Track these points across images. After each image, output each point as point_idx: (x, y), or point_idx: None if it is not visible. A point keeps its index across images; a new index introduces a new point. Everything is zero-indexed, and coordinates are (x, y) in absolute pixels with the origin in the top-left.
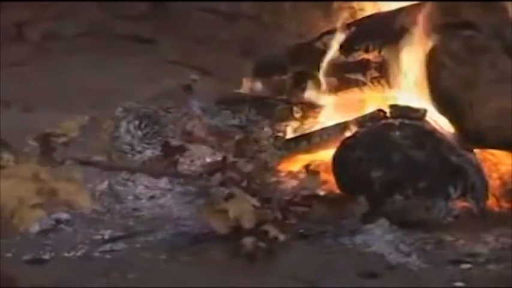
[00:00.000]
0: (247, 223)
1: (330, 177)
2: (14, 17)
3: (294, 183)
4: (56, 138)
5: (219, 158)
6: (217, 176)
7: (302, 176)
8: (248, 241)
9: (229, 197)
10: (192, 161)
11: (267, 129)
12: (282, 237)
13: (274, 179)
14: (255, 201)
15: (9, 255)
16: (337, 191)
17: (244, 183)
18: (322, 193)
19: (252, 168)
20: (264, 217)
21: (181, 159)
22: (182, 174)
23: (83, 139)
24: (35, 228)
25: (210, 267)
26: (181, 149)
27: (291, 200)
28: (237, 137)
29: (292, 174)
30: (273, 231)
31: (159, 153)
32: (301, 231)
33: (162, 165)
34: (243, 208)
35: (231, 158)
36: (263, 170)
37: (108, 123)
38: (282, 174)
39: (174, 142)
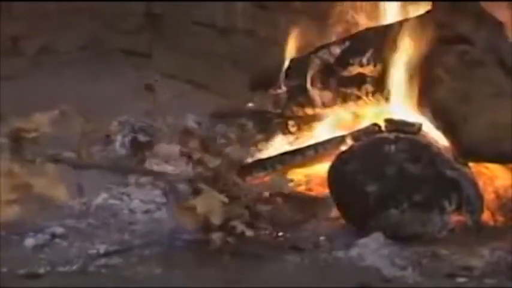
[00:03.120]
0: (216, 219)
1: (325, 191)
2: (9, 30)
3: (261, 183)
4: (27, 134)
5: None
6: (185, 173)
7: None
8: (216, 236)
9: (197, 193)
10: (159, 158)
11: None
12: (249, 232)
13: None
14: (223, 198)
15: (4, 269)
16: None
17: (212, 180)
18: (288, 192)
19: (218, 164)
20: (232, 213)
21: (149, 156)
22: (150, 172)
23: (54, 135)
24: (30, 242)
25: (205, 281)
26: (149, 145)
27: (258, 199)
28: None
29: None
30: (240, 227)
31: (128, 151)
32: (295, 244)
33: (131, 163)
34: (211, 204)
35: (197, 155)
36: (230, 168)
37: (79, 119)
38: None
39: (142, 138)
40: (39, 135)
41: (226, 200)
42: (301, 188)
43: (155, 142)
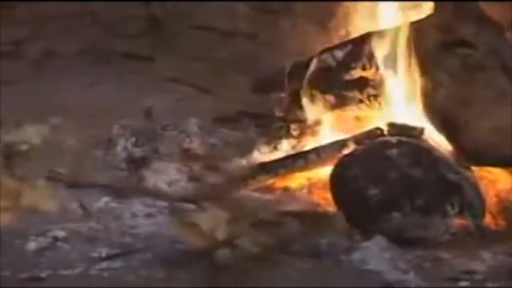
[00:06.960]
0: (221, 235)
1: (327, 195)
2: (12, 34)
3: (266, 198)
4: (18, 147)
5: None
6: (185, 190)
7: (274, 190)
8: (223, 253)
9: (199, 210)
10: (158, 176)
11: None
12: (255, 249)
13: (245, 193)
14: (225, 215)
15: (6, 273)
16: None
17: (213, 198)
18: (296, 209)
19: (219, 180)
20: (236, 230)
21: (147, 175)
22: (151, 191)
23: (46, 149)
24: (32, 246)
25: (207, 285)
26: (146, 161)
27: (264, 216)
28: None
29: (263, 189)
30: (245, 244)
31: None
32: (297, 248)
33: (129, 182)
34: (215, 221)
35: (197, 172)
36: (232, 183)
37: (71, 136)
38: (253, 188)
39: (138, 154)
40: (31, 149)
41: (229, 216)
42: (304, 192)
43: (158, 150)
